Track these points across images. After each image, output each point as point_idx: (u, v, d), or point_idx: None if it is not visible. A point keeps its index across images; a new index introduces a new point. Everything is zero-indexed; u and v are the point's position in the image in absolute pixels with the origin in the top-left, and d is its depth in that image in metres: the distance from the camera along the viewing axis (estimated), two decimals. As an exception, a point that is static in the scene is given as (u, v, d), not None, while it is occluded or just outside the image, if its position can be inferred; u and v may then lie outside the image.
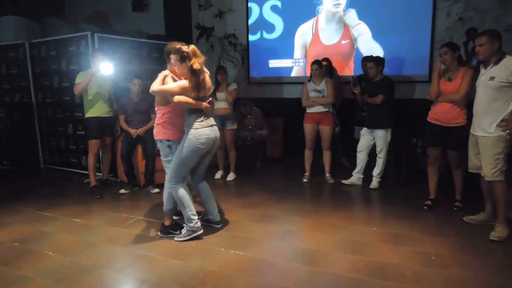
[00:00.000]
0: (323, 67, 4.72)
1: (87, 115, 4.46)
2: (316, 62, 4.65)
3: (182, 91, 2.93)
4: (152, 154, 4.53)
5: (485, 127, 3.07)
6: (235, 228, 3.38)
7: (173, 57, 2.99)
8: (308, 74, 5.29)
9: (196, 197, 3.48)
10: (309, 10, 6.07)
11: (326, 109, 4.66)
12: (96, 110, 4.44)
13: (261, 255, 2.86)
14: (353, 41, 5.85)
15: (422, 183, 4.16)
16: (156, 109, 3.21)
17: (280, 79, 6.45)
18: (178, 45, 3.00)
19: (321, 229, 3.35)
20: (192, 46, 2.93)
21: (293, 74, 6.35)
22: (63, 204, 4.12)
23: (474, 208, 3.56)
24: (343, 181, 4.70)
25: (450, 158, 3.70)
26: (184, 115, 3.09)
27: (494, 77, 2.98)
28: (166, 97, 3.01)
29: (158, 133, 3.19)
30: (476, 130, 3.17)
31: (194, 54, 2.90)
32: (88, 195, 4.39)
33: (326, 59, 5.34)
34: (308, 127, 4.75)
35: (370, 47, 5.70)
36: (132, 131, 4.45)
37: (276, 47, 6.41)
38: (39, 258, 2.84)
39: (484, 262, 2.69)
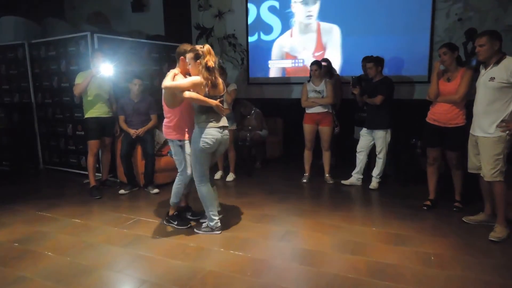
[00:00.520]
0: (322, 68, 4.73)
1: (87, 115, 4.46)
2: (315, 63, 4.66)
3: (194, 87, 2.97)
4: (151, 155, 4.53)
5: (485, 128, 3.08)
6: (234, 229, 3.38)
7: (188, 56, 3.04)
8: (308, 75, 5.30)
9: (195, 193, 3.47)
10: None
11: (326, 110, 4.67)
12: (95, 111, 4.44)
13: (260, 256, 2.86)
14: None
15: (422, 184, 4.16)
16: (165, 112, 3.27)
17: (280, 80, 6.46)
18: (191, 46, 3.10)
19: (320, 230, 3.35)
20: (208, 46, 3.03)
21: (292, 74, 6.35)
22: (63, 204, 4.12)
23: (474, 208, 3.56)
24: (343, 182, 4.70)
25: (449, 159, 3.70)
26: (195, 114, 3.13)
27: (494, 78, 2.99)
28: (176, 94, 3.04)
29: (170, 134, 3.27)
30: (476, 130, 3.17)
31: (209, 53, 2.99)
32: (88, 196, 4.39)
33: (326, 60, 5.35)
34: (307, 128, 4.76)
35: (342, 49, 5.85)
36: (132, 132, 4.46)
37: (275, 48, 6.42)
38: (38, 259, 2.84)
39: (483, 263, 2.70)
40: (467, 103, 3.49)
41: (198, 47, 3.02)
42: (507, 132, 2.98)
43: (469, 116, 3.44)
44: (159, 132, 4.87)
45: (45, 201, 4.22)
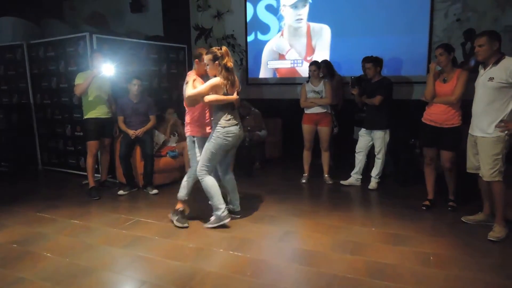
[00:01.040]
0: (321, 68, 4.73)
1: (87, 116, 4.45)
2: (314, 63, 4.67)
3: (213, 90, 3.21)
4: (150, 155, 4.53)
5: (484, 128, 3.08)
6: (234, 229, 3.38)
7: (206, 58, 3.24)
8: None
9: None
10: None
11: (325, 110, 4.67)
12: (95, 111, 4.43)
13: (260, 256, 2.86)
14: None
15: (421, 184, 4.16)
16: (186, 110, 3.49)
17: (279, 80, 6.46)
18: (208, 49, 3.31)
19: (319, 230, 3.35)
20: (225, 48, 3.26)
21: (291, 75, 6.35)
22: (62, 205, 4.12)
23: (473, 208, 3.57)
24: (342, 182, 4.71)
25: (442, 159, 3.69)
26: (213, 112, 3.36)
27: (493, 78, 2.99)
28: (198, 99, 3.27)
29: (187, 131, 3.52)
30: (475, 130, 3.18)
31: (228, 54, 3.23)
32: (87, 197, 4.38)
33: (325, 61, 5.37)
34: (306, 128, 4.76)
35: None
36: (131, 132, 4.45)
37: (273, 48, 6.43)
38: (37, 260, 2.84)
39: (482, 262, 2.70)
40: (463, 103, 3.50)
41: (215, 49, 3.22)
42: (506, 132, 2.99)
43: (465, 116, 3.45)
44: (158, 132, 4.87)
45: (44, 202, 4.21)
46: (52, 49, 5.33)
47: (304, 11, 6.13)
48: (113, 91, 4.68)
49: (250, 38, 6.59)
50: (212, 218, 3.43)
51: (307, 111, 4.74)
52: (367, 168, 4.71)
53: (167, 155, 4.83)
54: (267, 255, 2.88)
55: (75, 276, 2.59)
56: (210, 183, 3.36)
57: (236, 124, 3.35)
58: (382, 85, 4.34)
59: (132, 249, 3.02)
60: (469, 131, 3.27)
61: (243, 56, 6.67)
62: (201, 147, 3.43)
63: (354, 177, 4.67)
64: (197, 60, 3.41)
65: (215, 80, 3.20)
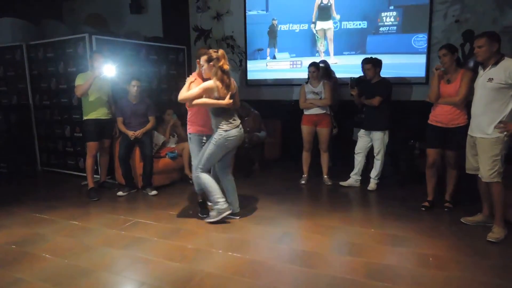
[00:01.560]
0: (320, 70, 4.74)
1: (87, 117, 4.45)
2: (313, 64, 4.67)
3: (205, 93, 3.22)
4: (150, 156, 4.53)
5: (483, 129, 3.08)
6: (232, 230, 3.38)
7: (202, 58, 3.30)
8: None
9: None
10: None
11: (324, 111, 4.67)
12: (95, 113, 4.43)
13: (258, 257, 2.86)
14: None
15: (420, 185, 4.16)
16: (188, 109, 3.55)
17: (278, 81, 6.46)
18: (206, 50, 3.37)
19: (318, 231, 3.35)
20: (222, 50, 3.26)
21: (290, 76, 6.35)
22: (61, 206, 4.11)
23: (472, 209, 3.57)
24: (341, 183, 4.70)
25: (448, 158, 3.71)
26: (212, 117, 3.38)
27: (492, 79, 3.00)
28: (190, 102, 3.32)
29: (188, 128, 3.63)
30: (474, 131, 3.18)
31: (224, 57, 3.24)
32: (86, 198, 4.38)
33: (324, 61, 5.38)
34: (305, 129, 4.76)
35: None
36: (130, 133, 4.45)
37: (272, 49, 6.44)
38: (36, 261, 2.83)
39: (481, 264, 2.70)
40: (468, 103, 3.50)
41: (212, 51, 3.27)
42: (505, 133, 2.99)
43: (470, 116, 3.45)
44: (157, 133, 4.87)
45: (42, 203, 4.21)
46: (52, 50, 5.33)
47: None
48: (113, 92, 4.68)
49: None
50: (212, 213, 3.49)
51: (306, 112, 4.74)
52: (366, 169, 4.71)
53: (167, 156, 4.83)
54: (266, 256, 2.88)
55: (73, 277, 2.58)
56: (206, 179, 3.41)
57: (237, 126, 3.40)
58: (381, 86, 4.35)
59: (131, 250, 3.01)
60: (468, 132, 3.28)
61: (242, 57, 6.67)
62: (194, 143, 3.54)
63: (353, 178, 4.67)
64: (198, 60, 3.44)
65: (208, 83, 3.21)
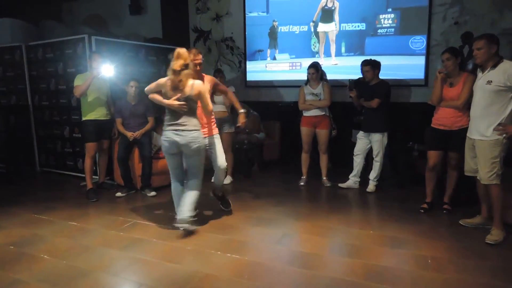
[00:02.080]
0: (319, 71, 4.74)
1: (85, 117, 4.44)
2: (312, 66, 4.67)
3: (157, 88, 3.26)
4: (149, 157, 4.52)
5: (482, 131, 3.09)
6: (231, 232, 3.38)
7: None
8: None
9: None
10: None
11: (323, 113, 4.67)
12: (94, 113, 4.43)
13: (257, 259, 2.85)
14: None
15: (419, 187, 4.17)
16: None
17: (277, 83, 6.46)
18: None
19: (317, 233, 3.35)
20: (179, 50, 3.16)
21: (290, 77, 6.36)
22: (59, 207, 4.10)
23: (471, 211, 3.57)
24: (340, 185, 4.70)
25: (450, 160, 3.70)
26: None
27: (491, 81, 3.00)
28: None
29: None
30: (473, 133, 3.19)
31: (177, 57, 3.14)
32: (84, 198, 4.37)
33: (316, 63, 5.38)
34: (304, 131, 4.76)
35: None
36: (129, 134, 4.45)
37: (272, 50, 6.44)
38: (34, 262, 2.83)
39: (480, 266, 2.70)
40: (469, 106, 3.50)
41: (177, 49, 3.18)
42: (504, 135, 2.99)
43: None
44: (156, 134, 4.86)
45: (41, 204, 4.20)
46: (51, 51, 5.32)
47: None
48: (111, 92, 4.67)
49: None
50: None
51: (305, 114, 4.74)
52: (365, 171, 4.71)
53: (166, 157, 4.82)
54: (265, 258, 2.87)
55: (72, 278, 2.58)
56: (172, 189, 3.47)
57: (176, 130, 3.19)
58: (380, 88, 4.36)
59: (129, 251, 3.01)
60: (467, 134, 3.28)
61: (242, 59, 6.68)
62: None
63: (352, 180, 4.67)
64: None
65: (161, 79, 3.25)
